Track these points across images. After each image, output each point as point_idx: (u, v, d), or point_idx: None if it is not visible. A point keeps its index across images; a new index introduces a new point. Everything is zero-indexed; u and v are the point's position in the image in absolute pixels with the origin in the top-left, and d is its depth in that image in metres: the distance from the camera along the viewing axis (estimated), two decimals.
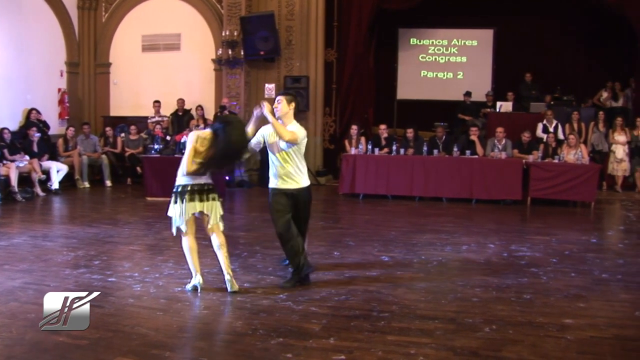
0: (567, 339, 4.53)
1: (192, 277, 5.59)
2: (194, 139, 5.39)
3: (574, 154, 11.24)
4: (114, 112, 15.31)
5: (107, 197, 11.88)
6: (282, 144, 5.62)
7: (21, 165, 11.21)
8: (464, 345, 4.38)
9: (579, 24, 15.53)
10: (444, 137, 12.23)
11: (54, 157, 12.36)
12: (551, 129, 12.55)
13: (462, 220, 9.58)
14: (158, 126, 13.21)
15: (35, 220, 9.35)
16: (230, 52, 13.53)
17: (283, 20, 13.79)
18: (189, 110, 14.11)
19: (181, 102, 14.13)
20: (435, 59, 16.56)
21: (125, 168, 13.46)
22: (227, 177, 11.72)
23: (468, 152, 11.49)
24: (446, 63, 16.52)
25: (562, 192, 10.89)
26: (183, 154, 5.57)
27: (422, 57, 16.57)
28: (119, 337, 4.50)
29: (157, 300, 5.35)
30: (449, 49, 16.47)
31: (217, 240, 5.54)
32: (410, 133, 12.31)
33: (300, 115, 13.13)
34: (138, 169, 12.84)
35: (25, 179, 11.40)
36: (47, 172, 11.76)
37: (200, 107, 13.78)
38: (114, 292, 5.53)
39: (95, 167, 13.20)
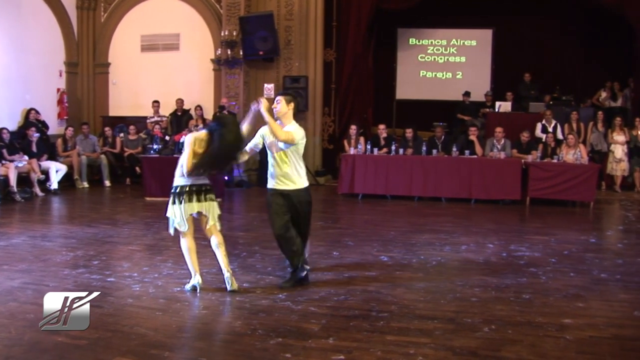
0: (566, 339, 4.53)
1: (191, 277, 5.59)
2: (192, 142, 5.39)
3: (573, 154, 11.24)
4: (113, 112, 15.31)
5: (106, 197, 11.88)
6: (281, 144, 5.59)
7: (20, 165, 11.21)
8: (463, 345, 4.38)
9: (578, 24, 15.54)
10: (443, 137, 12.23)
11: (53, 157, 12.36)
12: (550, 129, 12.56)
13: (461, 220, 9.58)
14: (157, 126, 13.22)
15: (34, 221, 9.34)
16: (229, 52, 13.53)
17: (282, 20, 13.79)
18: (188, 110, 14.11)
19: (180, 102, 14.13)
20: (434, 59, 16.57)
21: (124, 168, 13.46)
22: (226, 177, 11.72)
23: (467, 152, 11.49)
24: (445, 63, 16.52)
25: (561, 192, 10.89)
26: (182, 154, 5.57)
27: (421, 57, 16.58)
28: (118, 337, 4.49)
29: (156, 300, 5.35)
30: (448, 49, 16.48)
31: (216, 239, 5.55)
32: (409, 133, 12.31)
33: (299, 115, 13.14)
34: (137, 169, 12.84)
35: (24, 179, 11.39)
36: (46, 172, 11.76)
37: (199, 107, 13.77)
38: (113, 292, 5.53)
39: (94, 167, 13.20)
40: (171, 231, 5.57)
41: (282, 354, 4.21)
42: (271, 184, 5.74)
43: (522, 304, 5.33)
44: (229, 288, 5.52)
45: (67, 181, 12.43)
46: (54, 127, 13.97)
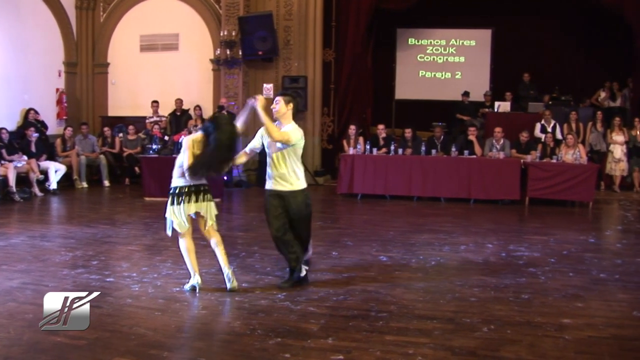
0: (565, 339, 4.53)
1: (190, 277, 5.59)
2: (190, 145, 5.38)
3: (572, 154, 11.24)
4: (112, 112, 15.30)
5: (105, 197, 11.88)
6: (278, 144, 5.55)
7: (19, 165, 11.21)
8: (462, 345, 4.38)
9: (577, 24, 15.54)
10: (442, 137, 12.24)
11: (52, 157, 12.35)
12: (549, 129, 12.57)
13: (460, 220, 9.58)
14: (156, 126, 13.22)
15: (33, 221, 9.33)
16: (228, 52, 13.53)
17: (281, 20, 13.78)
18: (187, 110, 14.12)
19: (179, 102, 14.13)
20: (434, 59, 16.57)
21: (124, 168, 13.45)
22: (225, 178, 11.73)
23: (466, 152, 11.49)
24: (444, 63, 16.52)
25: (560, 192, 10.89)
26: (179, 154, 5.57)
27: (420, 57, 16.58)
28: (117, 337, 4.49)
29: (155, 301, 5.35)
30: (447, 49, 16.48)
31: (214, 238, 5.57)
32: (408, 133, 12.32)
33: (298, 115, 13.14)
34: (136, 169, 12.84)
35: (23, 179, 11.39)
36: (45, 172, 11.76)
37: (198, 107, 13.77)
38: (112, 292, 5.52)
39: (94, 167, 13.19)
40: (169, 232, 5.57)
41: (281, 354, 4.21)
42: (268, 184, 5.72)
43: (521, 304, 5.33)
44: (229, 286, 5.53)
45: (66, 181, 12.42)
46: (53, 127, 13.96)
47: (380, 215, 10.14)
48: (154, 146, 11.91)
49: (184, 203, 5.41)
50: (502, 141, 11.68)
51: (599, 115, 13.09)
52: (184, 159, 5.37)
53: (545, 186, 10.93)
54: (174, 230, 5.51)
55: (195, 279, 5.54)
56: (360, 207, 10.99)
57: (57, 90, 14.48)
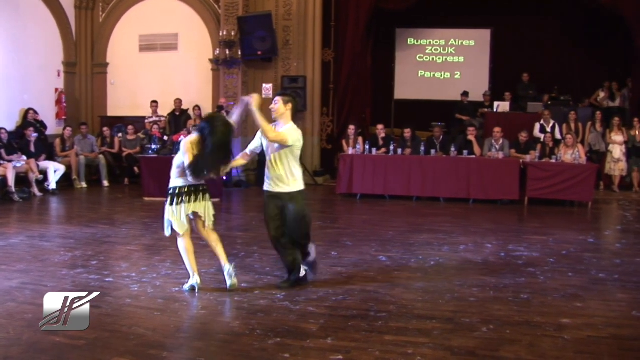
0: (564, 339, 4.53)
1: (189, 277, 5.59)
2: (189, 147, 5.35)
3: (571, 154, 11.25)
4: (112, 112, 15.30)
5: (104, 197, 11.87)
6: (276, 145, 5.50)
7: (18, 165, 11.21)
8: (462, 345, 4.38)
9: (576, 24, 15.54)
10: (441, 137, 12.24)
11: (51, 157, 12.35)
12: (548, 129, 12.57)
13: (459, 220, 9.58)
14: (155, 126, 13.21)
15: (33, 221, 9.33)
16: (227, 52, 13.52)
17: (280, 20, 13.78)
18: (187, 110, 14.11)
19: (178, 102, 14.12)
20: (433, 59, 16.57)
21: (123, 168, 13.45)
22: (224, 177, 11.72)
23: (465, 152, 11.49)
24: (443, 63, 16.52)
25: (559, 192, 10.89)
26: (177, 155, 5.57)
27: (419, 57, 16.57)
28: (117, 337, 4.49)
29: (154, 301, 5.35)
30: (447, 49, 16.48)
31: (212, 237, 5.59)
32: (407, 133, 12.31)
33: (297, 115, 13.15)
34: (135, 169, 12.84)
35: (22, 179, 11.39)
36: (44, 172, 11.76)
37: (197, 107, 13.75)
38: (111, 293, 5.52)
39: (93, 167, 13.19)
40: (167, 232, 5.57)
41: (281, 354, 4.21)
42: (266, 185, 5.68)
43: (520, 304, 5.33)
44: (229, 282, 5.53)
45: (65, 181, 12.42)
46: (52, 127, 13.96)
47: (380, 215, 10.14)
48: (153, 146, 11.91)
49: (183, 203, 5.41)
50: (501, 141, 11.68)
51: (598, 115, 13.09)
52: (185, 161, 5.36)
53: (545, 186, 10.93)
54: (172, 230, 5.51)
55: (195, 279, 5.54)
56: (360, 207, 10.99)
57: (57, 90, 14.48)
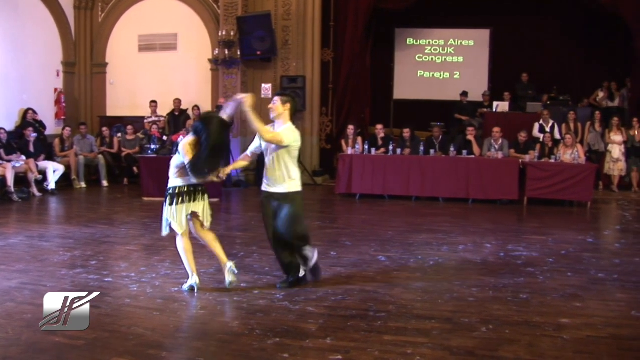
0: (563, 339, 4.54)
1: (188, 277, 5.59)
2: (187, 149, 5.35)
3: (571, 154, 11.25)
4: (111, 112, 15.29)
5: (103, 197, 11.87)
6: (273, 145, 5.47)
7: (17, 165, 11.20)
8: (461, 345, 4.38)
9: (575, 23, 15.54)
10: (440, 137, 12.24)
11: (50, 157, 12.34)
12: (548, 129, 12.57)
13: (458, 220, 9.58)
14: (155, 126, 13.20)
15: (32, 221, 9.33)
16: (226, 52, 13.52)
17: (280, 20, 13.79)
18: (186, 110, 14.10)
19: (178, 102, 14.12)
20: (432, 59, 16.56)
21: (122, 168, 13.44)
22: (224, 180, 11.71)
23: (465, 152, 11.49)
24: (443, 63, 16.52)
25: (558, 192, 10.90)
26: (175, 155, 5.57)
27: (418, 57, 16.56)
28: (116, 337, 4.49)
29: (153, 301, 5.34)
30: (446, 49, 16.47)
31: (209, 236, 5.60)
32: (406, 133, 12.31)
33: (296, 115, 13.16)
34: (135, 169, 12.83)
35: (21, 179, 11.38)
36: (43, 173, 11.75)
37: (196, 107, 13.75)
38: (110, 293, 5.52)
39: (92, 167, 13.18)
40: (165, 232, 5.57)
41: (280, 354, 4.21)
42: (263, 185, 5.67)
43: (519, 304, 5.34)
44: (229, 279, 5.54)
45: (64, 181, 12.41)
46: (52, 127, 13.95)
47: (379, 215, 10.14)
48: (153, 146, 11.91)
49: (184, 203, 5.42)
50: (500, 141, 11.69)
51: (598, 115, 13.10)
52: (185, 162, 5.36)
53: (544, 186, 10.93)
54: (171, 230, 5.51)
55: (194, 279, 5.54)
56: (359, 207, 10.99)
57: (56, 90, 14.47)
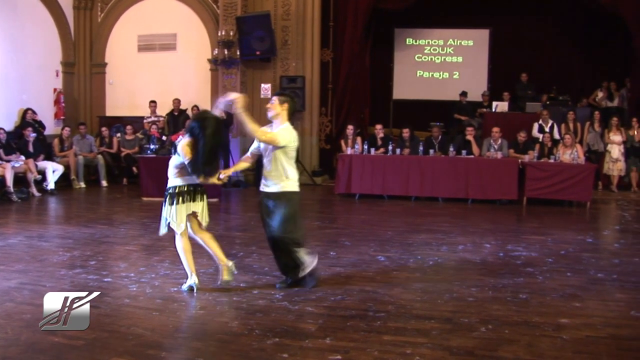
0: (562, 339, 4.54)
1: (187, 277, 5.59)
2: (187, 151, 5.34)
3: (570, 154, 11.26)
4: (110, 112, 15.29)
5: (103, 198, 11.86)
6: (270, 145, 5.45)
7: (17, 165, 11.20)
8: (460, 345, 4.38)
9: (575, 24, 15.56)
10: (440, 137, 12.24)
11: (49, 157, 12.34)
12: (547, 129, 12.57)
13: (458, 220, 9.58)
14: (154, 126, 13.20)
15: (31, 221, 9.33)
16: (226, 52, 13.51)
17: (279, 20, 13.79)
18: (185, 110, 14.10)
19: (177, 102, 14.12)
20: (431, 59, 16.57)
21: (121, 168, 13.44)
22: (223, 181, 11.71)
23: (464, 152, 11.50)
24: (442, 63, 16.52)
25: (557, 192, 10.90)
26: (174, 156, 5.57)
27: (418, 57, 16.57)
28: (115, 337, 4.49)
29: (153, 301, 5.34)
30: (445, 49, 16.48)
31: (206, 235, 5.62)
32: (406, 133, 12.31)
33: (296, 115, 13.19)
34: (134, 169, 12.84)
35: (20, 179, 11.38)
36: (42, 173, 11.75)
37: (196, 107, 13.75)
38: (109, 293, 5.52)
39: (91, 167, 13.18)
40: (162, 232, 5.57)
41: (279, 354, 4.21)
42: (261, 185, 5.65)
43: (519, 304, 5.34)
44: (225, 279, 5.56)
45: (63, 181, 12.41)
46: (51, 127, 13.94)
47: (378, 215, 10.14)
48: (152, 146, 11.90)
49: (184, 202, 5.42)
50: (499, 141, 11.69)
51: (597, 115, 13.11)
52: (186, 162, 5.37)
53: (543, 186, 10.94)
54: (170, 230, 5.51)
55: (193, 279, 5.54)
56: (358, 207, 10.99)
57: (55, 90, 14.47)
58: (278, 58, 13.83)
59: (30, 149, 11.93)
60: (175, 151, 5.50)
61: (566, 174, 10.89)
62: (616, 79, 14.71)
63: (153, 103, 14.17)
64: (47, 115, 13.89)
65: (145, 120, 14.04)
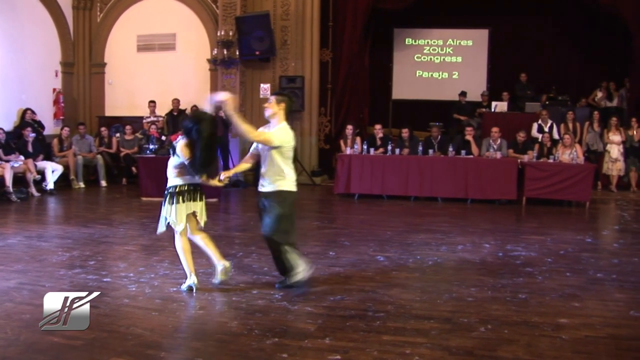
0: (562, 339, 4.54)
1: (187, 277, 5.59)
2: (186, 151, 5.35)
3: (569, 154, 11.26)
4: (109, 112, 15.28)
5: (102, 198, 11.86)
6: (267, 145, 5.45)
7: (16, 165, 11.19)
8: (459, 345, 4.38)
9: (575, 24, 15.55)
10: (439, 137, 12.23)
11: (48, 157, 12.33)
12: (546, 129, 12.57)
13: (457, 220, 9.59)
14: (153, 126, 13.18)
15: (30, 221, 9.33)
16: (225, 52, 13.51)
17: (278, 20, 13.79)
18: (185, 110, 14.09)
19: (176, 102, 14.11)
20: (431, 59, 16.57)
21: (121, 168, 13.44)
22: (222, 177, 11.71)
23: (463, 152, 11.49)
24: (441, 63, 16.53)
25: (557, 192, 10.90)
26: (173, 156, 5.57)
27: (417, 57, 16.57)
28: (114, 337, 4.49)
29: (152, 301, 5.34)
30: (444, 49, 16.48)
31: (203, 234, 5.63)
32: (405, 133, 12.30)
33: (295, 115, 13.22)
34: (133, 169, 12.83)
35: (20, 179, 11.38)
36: (42, 173, 11.74)
37: (195, 107, 13.71)
38: (109, 293, 5.52)
39: (91, 167, 13.18)
40: (160, 230, 5.57)
41: (279, 354, 4.21)
42: (259, 185, 5.66)
43: (518, 304, 5.34)
44: (221, 278, 5.58)
45: (63, 181, 12.40)
46: (50, 127, 13.93)
47: (378, 215, 10.14)
48: (151, 146, 11.90)
49: (184, 202, 5.42)
50: (499, 141, 11.69)
51: (596, 115, 13.11)
52: (186, 162, 5.37)
53: (542, 186, 10.94)
54: (168, 228, 5.51)
55: (192, 279, 5.54)
56: (358, 207, 10.99)
57: (54, 90, 14.46)
58: (277, 58, 13.83)
59: (30, 149, 11.93)
60: (174, 152, 5.50)
61: (565, 174, 10.89)
62: (615, 79, 14.71)
63: (152, 103, 14.17)
64: (46, 115, 13.89)
65: (144, 120, 14.03)
